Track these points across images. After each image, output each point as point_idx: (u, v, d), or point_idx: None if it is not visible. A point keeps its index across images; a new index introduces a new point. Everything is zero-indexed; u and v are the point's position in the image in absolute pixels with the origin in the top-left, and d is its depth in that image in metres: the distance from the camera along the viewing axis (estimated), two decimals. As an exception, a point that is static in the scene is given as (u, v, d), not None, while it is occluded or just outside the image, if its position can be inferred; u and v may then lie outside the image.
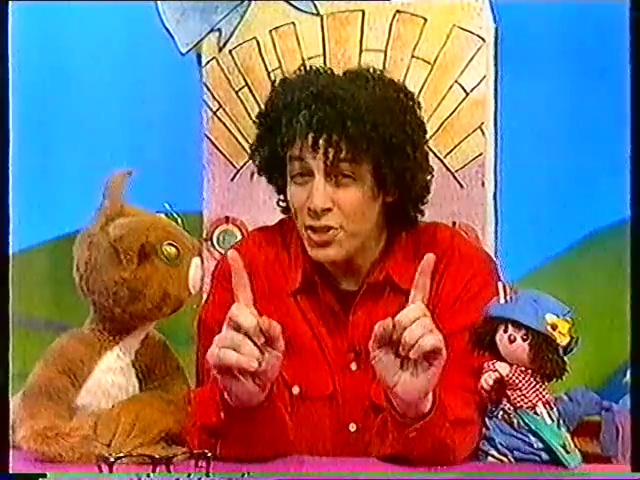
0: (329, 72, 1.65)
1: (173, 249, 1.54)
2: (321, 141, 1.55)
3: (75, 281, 1.56)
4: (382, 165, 1.59)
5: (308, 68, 1.66)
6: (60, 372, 1.55)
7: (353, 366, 1.65)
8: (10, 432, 1.55)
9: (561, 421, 1.51)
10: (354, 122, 1.55)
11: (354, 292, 1.67)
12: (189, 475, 1.36)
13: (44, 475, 1.36)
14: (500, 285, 1.52)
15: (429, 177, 1.69)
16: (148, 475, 1.34)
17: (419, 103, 1.66)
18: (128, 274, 1.50)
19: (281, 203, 1.72)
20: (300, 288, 1.68)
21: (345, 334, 1.66)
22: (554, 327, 1.47)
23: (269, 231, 1.76)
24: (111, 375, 1.57)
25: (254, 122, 1.68)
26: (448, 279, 1.65)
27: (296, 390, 1.64)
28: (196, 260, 1.57)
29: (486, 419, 1.52)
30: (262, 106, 1.69)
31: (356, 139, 1.55)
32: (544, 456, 1.50)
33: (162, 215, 1.60)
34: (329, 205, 1.58)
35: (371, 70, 1.64)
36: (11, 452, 1.44)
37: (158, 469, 1.39)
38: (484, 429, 1.52)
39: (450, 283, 1.65)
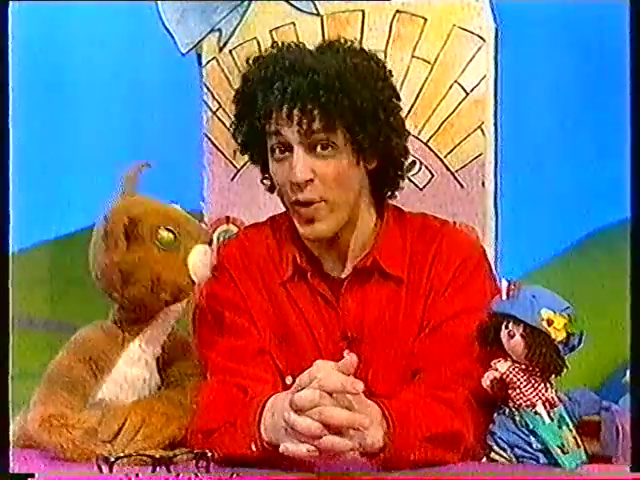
0: (301, 46, 1.67)
1: (169, 234, 1.54)
2: (295, 111, 1.57)
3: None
4: (356, 132, 1.60)
5: (280, 44, 1.68)
6: (81, 362, 1.55)
7: (346, 354, 1.65)
8: (16, 425, 1.57)
9: (562, 420, 1.51)
10: (326, 91, 1.56)
11: (344, 279, 1.68)
12: (178, 475, 1.36)
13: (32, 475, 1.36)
14: (504, 281, 1.53)
15: (406, 141, 1.70)
16: (137, 475, 1.35)
17: (390, 71, 1.67)
18: (118, 257, 1.51)
19: (265, 181, 1.73)
20: (291, 277, 1.69)
21: (337, 322, 1.67)
22: (549, 322, 1.47)
23: (260, 227, 1.77)
24: (135, 368, 1.58)
25: (232, 101, 1.69)
26: (439, 266, 1.66)
27: (289, 380, 1.63)
28: (199, 247, 1.57)
29: (494, 414, 1.53)
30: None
31: (328, 107, 1.57)
32: (542, 459, 1.50)
33: (170, 204, 1.60)
34: (310, 176, 1.59)
35: (342, 40, 1.67)
36: (11, 452, 1.44)
37: (158, 469, 1.39)
38: (490, 424, 1.53)
39: (441, 270, 1.66)
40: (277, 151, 1.61)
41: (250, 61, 1.68)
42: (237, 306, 1.67)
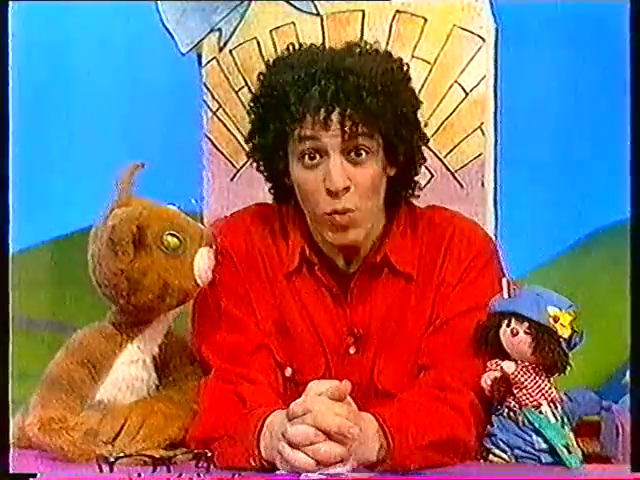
0: (320, 48, 1.63)
1: (174, 239, 1.54)
2: (334, 116, 1.52)
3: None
4: (393, 137, 1.56)
5: (297, 45, 1.64)
6: (79, 364, 1.55)
7: (352, 350, 1.64)
8: (15, 427, 1.57)
9: (565, 420, 1.51)
10: (370, 94, 1.52)
11: (352, 274, 1.66)
12: (180, 474, 1.36)
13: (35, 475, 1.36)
14: (504, 281, 1.53)
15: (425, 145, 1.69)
16: (139, 475, 1.35)
17: (410, 76, 1.65)
18: (125, 265, 1.50)
19: (273, 191, 1.70)
20: (296, 270, 1.66)
21: (344, 317, 1.65)
22: (556, 319, 1.48)
23: (267, 213, 1.72)
24: (133, 368, 1.57)
25: (250, 106, 1.64)
26: (451, 260, 1.64)
27: (289, 372, 1.63)
28: (203, 250, 1.56)
29: (492, 416, 1.53)
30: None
31: (373, 111, 1.52)
32: (543, 458, 1.50)
33: (169, 206, 1.59)
34: (348, 184, 1.54)
35: (362, 43, 1.63)
36: (11, 452, 1.44)
37: (159, 469, 1.39)
38: (488, 426, 1.53)
39: (453, 264, 1.64)
40: (307, 157, 1.55)
41: (270, 64, 1.62)
42: (238, 295, 1.65)
